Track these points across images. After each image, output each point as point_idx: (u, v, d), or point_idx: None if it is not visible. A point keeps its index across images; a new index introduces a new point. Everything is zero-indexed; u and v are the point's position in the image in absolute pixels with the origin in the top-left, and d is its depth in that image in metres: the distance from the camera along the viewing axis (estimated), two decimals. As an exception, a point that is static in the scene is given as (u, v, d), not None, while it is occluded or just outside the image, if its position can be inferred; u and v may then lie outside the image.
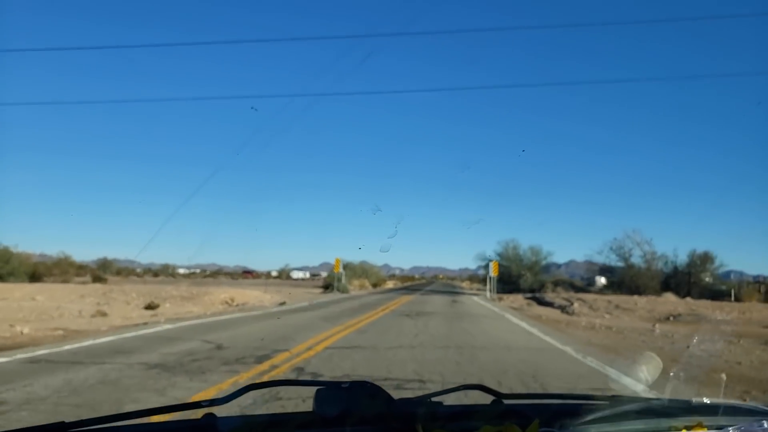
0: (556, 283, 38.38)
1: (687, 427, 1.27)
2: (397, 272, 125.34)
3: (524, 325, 14.11)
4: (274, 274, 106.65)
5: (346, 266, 55.29)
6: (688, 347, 10.80)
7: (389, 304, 21.56)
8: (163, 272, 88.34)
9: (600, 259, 36.02)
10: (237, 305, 22.34)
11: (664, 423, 1.33)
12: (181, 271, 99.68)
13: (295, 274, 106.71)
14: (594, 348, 9.87)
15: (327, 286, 33.83)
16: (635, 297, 24.39)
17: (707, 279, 31.56)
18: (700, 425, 1.27)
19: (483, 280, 71.05)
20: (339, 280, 33.73)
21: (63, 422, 1.12)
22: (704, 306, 20.45)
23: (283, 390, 4.99)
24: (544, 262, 42.48)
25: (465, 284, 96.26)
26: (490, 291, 32.60)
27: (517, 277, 39.61)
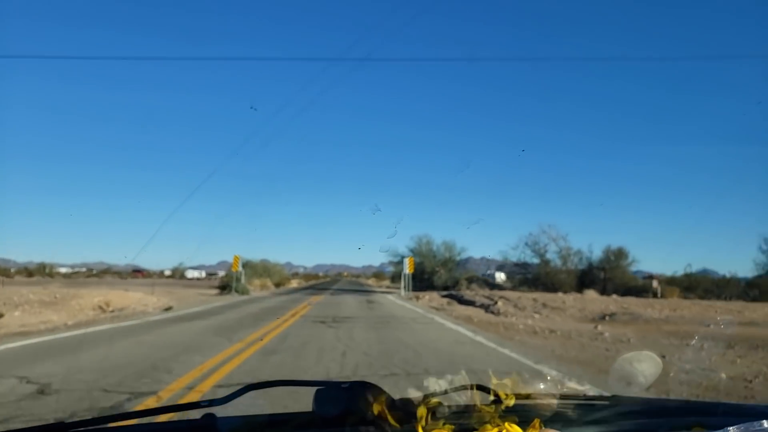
0: (470, 280, 37.07)
1: (686, 427, 1.25)
2: (300, 270, 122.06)
3: (465, 331, 11.96)
4: (167, 273, 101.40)
5: (246, 264, 51.50)
6: (664, 357, 9.08)
7: (298, 307, 18.74)
8: (39, 272, 78.87)
9: (515, 255, 35.12)
10: (113, 311, 18.48)
11: (664, 423, 1.30)
12: (63, 270, 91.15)
13: (190, 274, 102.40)
14: (573, 365, 7.82)
15: (224, 287, 30.10)
16: (560, 294, 23.36)
17: (621, 275, 31.53)
18: (699, 425, 1.24)
19: (391, 278, 69.49)
20: (238, 279, 30.17)
21: (63, 422, 1.12)
22: (634, 303, 19.56)
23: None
24: (458, 258, 41.20)
25: (371, 282, 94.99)
26: (405, 289, 30.56)
27: (431, 274, 37.80)
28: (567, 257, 32.14)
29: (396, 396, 1.16)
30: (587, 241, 60.51)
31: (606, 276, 30.77)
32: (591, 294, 23.58)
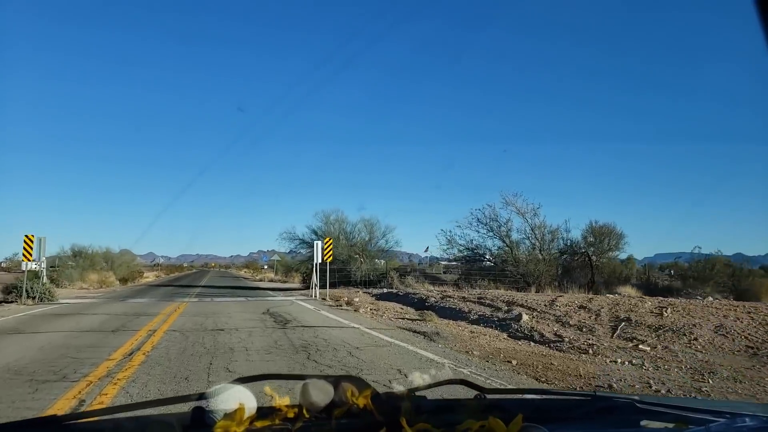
0: (404, 272, 27.07)
1: (668, 423, 1.24)
2: (162, 261, 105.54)
3: None
4: (4, 264, 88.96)
5: (78, 253, 37.60)
6: None
7: (125, 344, 7.76)
8: None
9: (461, 236, 25.68)
10: None
11: (646, 420, 1.28)
12: None
13: (29, 265, 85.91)
14: None
15: (11, 290, 17.54)
16: (590, 295, 14.45)
17: (607, 262, 23.47)
18: (681, 421, 1.23)
19: (274, 269, 57.82)
20: (36, 277, 17.74)
21: (55, 415, 1.13)
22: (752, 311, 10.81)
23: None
24: (381, 240, 30.78)
25: (245, 273, 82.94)
26: (319, 286, 20.05)
27: (345, 264, 27.33)
28: (541, 239, 23.40)
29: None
30: (556, 217, 51.50)
31: (593, 264, 22.62)
32: (627, 290, 15.22)
